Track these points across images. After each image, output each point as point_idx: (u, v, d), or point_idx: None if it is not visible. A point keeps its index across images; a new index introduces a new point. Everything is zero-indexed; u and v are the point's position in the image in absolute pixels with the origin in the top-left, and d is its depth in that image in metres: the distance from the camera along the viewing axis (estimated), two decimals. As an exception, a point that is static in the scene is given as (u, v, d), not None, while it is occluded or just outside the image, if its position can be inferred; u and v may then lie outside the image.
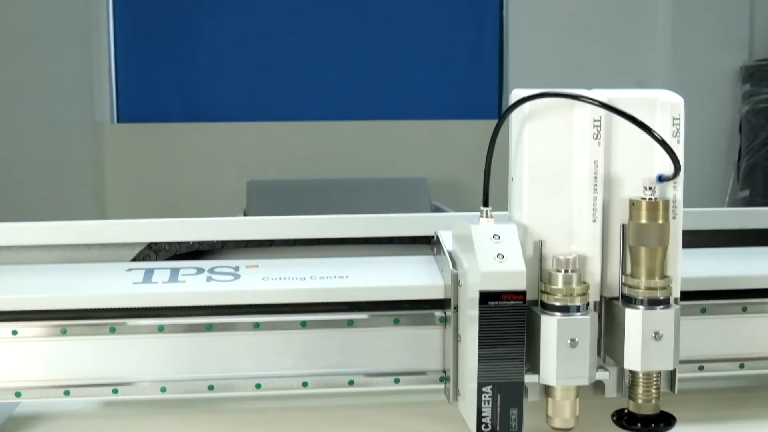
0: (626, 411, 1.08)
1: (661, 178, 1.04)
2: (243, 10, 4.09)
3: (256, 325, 1.13)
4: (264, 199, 3.84)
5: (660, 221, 1.02)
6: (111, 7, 4.02)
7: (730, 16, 4.16)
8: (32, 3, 3.86)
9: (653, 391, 1.06)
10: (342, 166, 4.12)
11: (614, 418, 1.09)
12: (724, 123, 4.31)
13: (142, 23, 4.10)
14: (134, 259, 1.28)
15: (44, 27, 3.88)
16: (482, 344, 1.01)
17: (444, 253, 1.14)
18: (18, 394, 1.12)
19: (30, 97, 3.92)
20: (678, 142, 1.05)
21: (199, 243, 1.30)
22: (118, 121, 4.23)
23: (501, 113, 4.02)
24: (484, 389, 1.02)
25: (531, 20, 4.10)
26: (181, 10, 4.07)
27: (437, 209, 3.69)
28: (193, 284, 1.15)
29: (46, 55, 3.87)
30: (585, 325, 1.02)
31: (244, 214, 3.63)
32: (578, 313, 1.03)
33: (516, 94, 1.05)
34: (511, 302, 1.01)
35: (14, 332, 1.11)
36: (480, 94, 4.24)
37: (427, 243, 1.23)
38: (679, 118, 1.06)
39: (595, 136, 1.04)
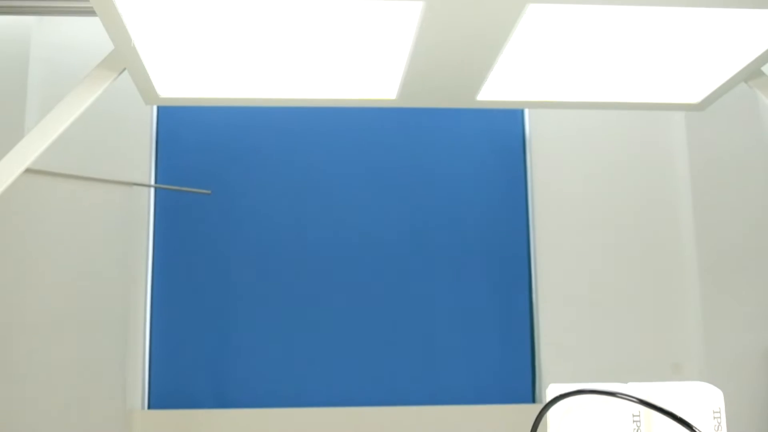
0: None
1: (707, 475, 1.02)
2: (271, 303, 4.19)
3: None
4: (294, 488, 3.74)
5: None
6: (149, 299, 4.14)
7: (762, 293, 4.20)
8: (74, 291, 3.99)
9: None
10: (374, 452, 4.04)
11: None
12: (765, 402, 4.23)
13: (176, 314, 4.19)
14: None
15: (83, 314, 3.97)
16: None
17: None
18: None
19: (60, 384, 3.94)
20: (720, 435, 1.03)
21: None
22: (149, 408, 4.23)
23: (535, 396, 3.91)
24: None
25: (561, 302, 4.15)
26: (214, 304, 4.17)
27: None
28: None
29: (81, 342, 3.94)
30: None
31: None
32: None
33: (553, 390, 1.05)
34: None
35: None
36: (512, 377, 4.21)
37: None
38: (719, 411, 1.05)
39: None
